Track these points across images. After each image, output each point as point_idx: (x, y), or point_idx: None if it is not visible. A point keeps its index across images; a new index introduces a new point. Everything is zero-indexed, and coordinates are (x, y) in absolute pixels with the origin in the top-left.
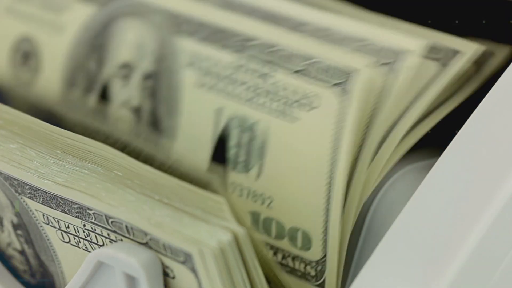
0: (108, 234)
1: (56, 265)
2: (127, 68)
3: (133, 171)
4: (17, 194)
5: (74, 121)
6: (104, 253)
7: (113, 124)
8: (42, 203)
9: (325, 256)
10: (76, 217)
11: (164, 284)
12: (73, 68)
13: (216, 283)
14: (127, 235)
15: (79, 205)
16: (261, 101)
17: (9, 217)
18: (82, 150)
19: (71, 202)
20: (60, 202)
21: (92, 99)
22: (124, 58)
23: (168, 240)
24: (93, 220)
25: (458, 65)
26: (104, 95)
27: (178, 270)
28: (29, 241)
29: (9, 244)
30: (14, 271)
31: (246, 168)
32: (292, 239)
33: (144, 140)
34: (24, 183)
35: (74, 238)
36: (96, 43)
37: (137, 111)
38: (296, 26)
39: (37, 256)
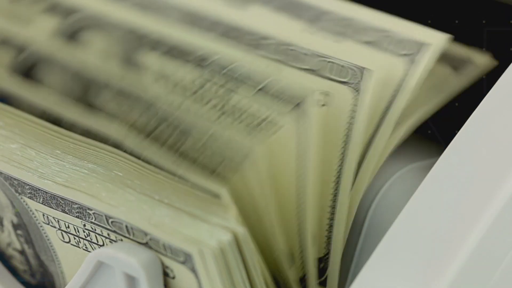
0: (108, 234)
1: (56, 265)
2: None
3: (133, 171)
4: (17, 194)
5: None
6: (104, 253)
7: None
8: (42, 203)
9: (328, 253)
10: (76, 217)
11: (164, 284)
12: None
13: (216, 283)
14: (127, 235)
15: (79, 205)
16: (229, 121)
17: (9, 217)
18: (82, 150)
19: (71, 202)
20: (60, 202)
21: None
22: None
23: (168, 240)
24: (93, 220)
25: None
26: None
27: (178, 270)
28: (29, 241)
29: (9, 244)
30: (14, 271)
31: None
32: None
33: None
34: (24, 183)
35: (74, 238)
36: None
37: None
38: (319, 15)
39: (37, 256)
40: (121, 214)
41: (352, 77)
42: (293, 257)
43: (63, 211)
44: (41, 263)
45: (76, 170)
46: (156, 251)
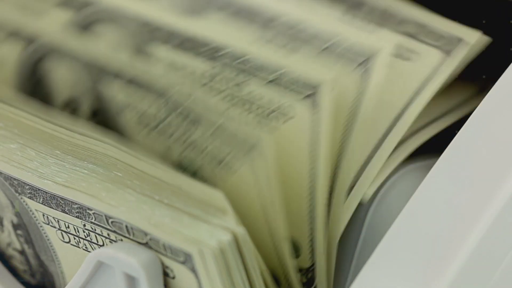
0: (108, 234)
1: (56, 265)
2: None
3: (133, 171)
4: (17, 194)
5: None
6: (104, 253)
7: None
8: (42, 203)
9: (313, 264)
10: (76, 217)
11: (164, 284)
12: None
13: (216, 283)
14: (127, 235)
15: (79, 205)
16: (238, 112)
17: (9, 217)
18: (82, 150)
19: (71, 202)
20: (60, 202)
21: None
22: None
23: (168, 240)
24: (93, 220)
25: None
26: None
27: (178, 270)
28: (29, 241)
29: (9, 244)
30: (14, 271)
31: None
32: None
33: None
34: (24, 183)
35: (74, 238)
36: None
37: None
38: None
39: (37, 256)
40: (121, 214)
41: (362, 62)
42: (299, 247)
43: (63, 211)
44: (41, 263)
45: (76, 170)
46: (156, 251)
